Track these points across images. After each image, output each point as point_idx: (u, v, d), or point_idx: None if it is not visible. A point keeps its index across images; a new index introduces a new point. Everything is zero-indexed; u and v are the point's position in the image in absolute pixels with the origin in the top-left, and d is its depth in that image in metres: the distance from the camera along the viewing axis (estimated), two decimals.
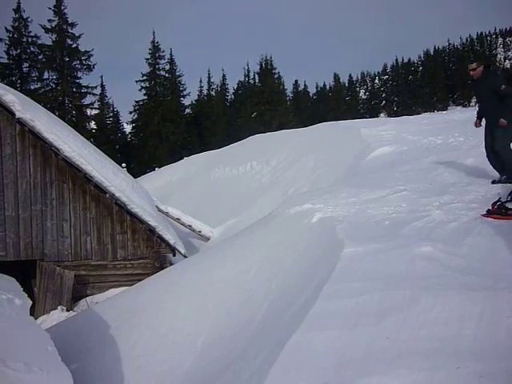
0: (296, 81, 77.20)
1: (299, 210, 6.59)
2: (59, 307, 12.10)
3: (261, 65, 54.98)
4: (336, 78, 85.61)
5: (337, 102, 75.30)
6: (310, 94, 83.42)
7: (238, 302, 5.17)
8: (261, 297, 4.86)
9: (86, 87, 41.28)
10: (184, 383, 4.48)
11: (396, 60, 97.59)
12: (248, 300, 5.04)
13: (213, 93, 59.70)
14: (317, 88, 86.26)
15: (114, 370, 5.43)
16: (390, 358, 2.67)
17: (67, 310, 12.09)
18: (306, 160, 18.87)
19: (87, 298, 12.79)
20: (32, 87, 39.66)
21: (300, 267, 4.81)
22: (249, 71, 59.23)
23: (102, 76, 52.64)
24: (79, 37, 39.89)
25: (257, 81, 56.96)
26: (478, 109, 7.99)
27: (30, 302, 5.47)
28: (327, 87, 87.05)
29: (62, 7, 39.29)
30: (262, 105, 50.70)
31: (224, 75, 59.93)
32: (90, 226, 13.07)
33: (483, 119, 7.65)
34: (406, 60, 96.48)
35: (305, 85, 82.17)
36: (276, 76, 55.92)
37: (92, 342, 6.41)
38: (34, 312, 10.58)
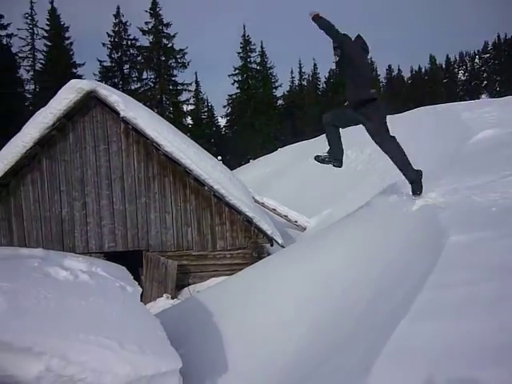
0: (389, 66, 74.94)
1: (398, 200, 6.42)
2: (164, 295, 12.69)
3: None
4: (432, 59, 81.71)
5: (433, 86, 71.99)
6: (405, 79, 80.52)
7: (337, 291, 5.15)
8: (361, 287, 4.80)
9: (182, 84, 42.75)
10: (283, 372, 4.53)
11: (498, 36, 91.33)
12: (347, 290, 5.00)
13: (304, 83, 59.41)
14: (411, 72, 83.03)
15: (216, 357, 5.59)
16: (502, 351, 2.55)
17: (171, 298, 12.63)
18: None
19: (189, 287, 13.30)
20: (132, 87, 41.72)
21: (402, 256, 4.69)
22: None
23: (196, 72, 54.48)
24: (174, 36, 41.40)
25: None
26: None
27: (141, 290, 5.79)
28: (422, 70, 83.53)
29: (158, 9, 40.90)
30: None
31: (315, 64, 59.39)
32: (191, 217, 13.59)
33: None
34: (508, 36, 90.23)
35: (399, 69, 79.49)
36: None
37: (195, 328, 6.64)
38: (141, 299, 11.16)
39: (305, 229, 17.09)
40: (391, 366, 2.72)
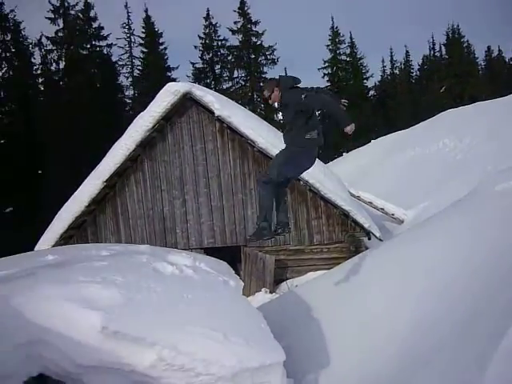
0: (488, 47, 70.31)
1: (507, 187, 6.04)
2: (263, 289, 12.85)
3: (447, 35, 51.33)
4: None
5: None
6: (506, 60, 75.45)
7: (437, 289, 4.93)
8: (470, 280, 4.58)
9: None
10: (390, 366, 4.42)
11: None
12: (448, 287, 4.78)
13: (396, 71, 57.47)
14: None
15: (319, 349, 5.58)
16: None
17: (270, 292, 12.76)
18: (506, 133, 17.22)
19: (287, 281, 13.37)
20: (224, 86, 42.54)
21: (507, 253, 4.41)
22: (434, 44, 55.44)
23: (285, 68, 54.18)
24: (263, 34, 41.67)
25: (443, 53, 53.34)
26: None
27: (242, 284, 5.91)
28: None
29: (246, 8, 41.44)
30: (450, 78, 47.40)
31: (407, 52, 57.12)
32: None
33: None
34: None
35: (499, 50, 74.48)
36: (465, 45, 51.76)
37: (296, 322, 6.67)
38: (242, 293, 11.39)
39: (402, 221, 16.60)
40: (504, 368, 2.57)
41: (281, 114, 5.58)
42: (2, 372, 3.20)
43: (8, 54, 29.90)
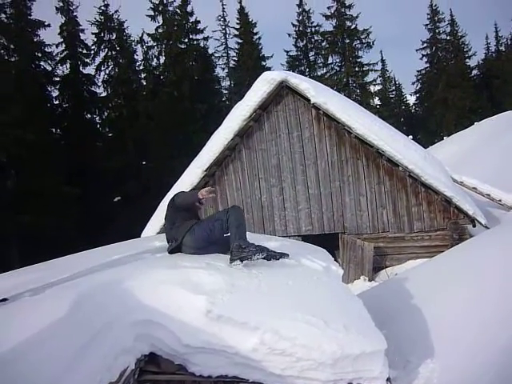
0: None
1: None
2: (361, 277, 12.73)
3: None
4: None
5: None
6: None
7: None
8: None
9: (368, 65, 41.95)
10: (498, 361, 4.21)
11: None
12: None
13: (502, 48, 53.77)
14: None
15: (421, 339, 5.46)
16: None
17: (369, 280, 12.61)
18: None
19: (387, 269, 13.13)
20: (319, 73, 42.24)
21: None
22: None
23: (381, 51, 52.84)
24: (357, 17, 40.79)
25: None
26: None
27: (342, 271, 5.89)
28: None
29: None
30: None
31: None
32: (385, 199, 13.37)
33: None
34: None
35: None
36: None
37: (397, 310, 6.55)
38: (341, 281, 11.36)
39: (511, 208, 15.65)
40: None
41: None
42: (122, 346, 3.46)
43: (113, 53, 31.67)
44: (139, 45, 33.29)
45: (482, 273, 5.84)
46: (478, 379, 4.06)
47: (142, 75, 33.81)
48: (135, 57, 33.18)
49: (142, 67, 33.66)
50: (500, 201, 16.09)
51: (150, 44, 33.64)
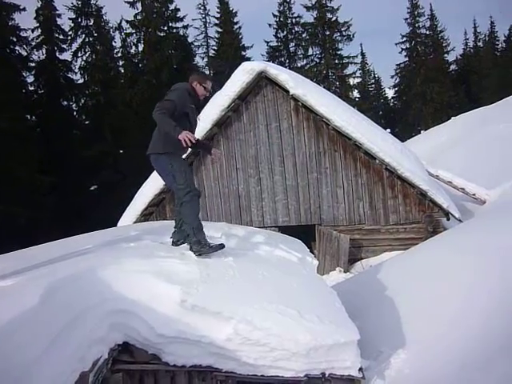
0: None
1: None
2: (337, 268, 12.83)
3: None
4: None
5: None
6: None
7: None
8: None
9: (347, 57, 42.06)
10: (465, 356, 4.31)
11: None
12: None
13: (480, 44, 54.43)
14: None
15: (394, 330, 5.53)
16: None
17: (344, 272, 12.72)
18: None
19: (362, 261, 13.26)
20: (299, 64, 42.22)
21: None
22: None
23: (361, 44, 53.17)
24: (338, 9, 40.78)
25: None
26: None
27: (317, 262, 5.94)
28: None
29: None
30: None
31: (492, 22, 53.90)
32: (362, 191, 13.49)
33: None
34: None
35: None
36: None
37: (371, 302, 6.62)
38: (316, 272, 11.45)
39: (484, 202, 15.91)
40: None
41: (194, 120, 5.16)
42: (95, 336, 3.45)
43: (91, 39, 31.17)
44: (117, 31, 32.83)
45: (453, 267, 5.94)
46: (448, 368, 4.14)
47: (120, 62, 33.40)
48: (113, 44, 32.72)
49: (120, 54, 33.22)
50: (474, 195, 16.32)
51: (128, 31, 33.21)
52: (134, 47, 33.68)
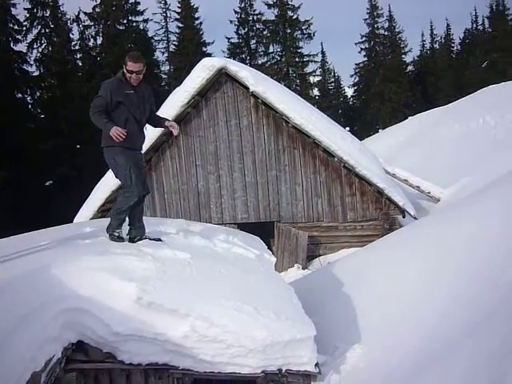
0: None
1: None
2: (295, 265, 12.92)
3: (491, 7, 49.53)
4: None
5: None
6: None
7: (476, 265, 4.88)
8: (498, 266, 4.51)
9: (308, 56, 42.38)
10: (418, 348, 4.41)
11: None
12: (488, 263, 4.73)
13: (436, 46, 55.80)
14: None
15: (350, 326, 5.62)
16: None
17: (302, 268, 12.81)
18: None
19: (320, 258, 13.40)
20: (259, 62, 42.22)
21: None
22: (477, 17, 53.39)
23: (321, 43, 53.60)
24: (299, 7, 40.99)
25: (487, 26, 51.53)
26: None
27: (275, 259, 5.98)
28: None
29: None
30: (493, 52, 45.78)
31: (448, 25, 55.16)
32: (321, 189, 13.63)
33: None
34: None
35: None
36: (510, 18, 49.75)
37: (328, 298, 6.71)
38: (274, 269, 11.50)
39: (438, 200, 16.35)
40: None
41: (134, 105, 5.00)
42: (48, 335, 3.37)
43: (47, 30, 30.33)
44: (75, 23, 31.98)
45: (407, 262, 6.08)
46: (401, 364, 4.23)
47: (78, 55, 32.64)
48: (71, 36, 31.91)
49: (77, 47, 32.46)
50: (429, 193, 16.74)
51: (86, 23, 32.42)
52: (92, 40, 32.97)
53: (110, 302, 3.73)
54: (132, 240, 5.10)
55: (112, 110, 4.77)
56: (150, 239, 5.09)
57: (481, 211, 5.97)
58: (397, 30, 47.27)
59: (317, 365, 4.22)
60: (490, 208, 5.87)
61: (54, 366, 3.43)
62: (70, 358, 3.74)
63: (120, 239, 5.03)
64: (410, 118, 31.15)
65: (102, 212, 13.66)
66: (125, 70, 4.91)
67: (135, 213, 5.12)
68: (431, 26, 55.39)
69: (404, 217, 13.43)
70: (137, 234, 5.12)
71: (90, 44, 32.94)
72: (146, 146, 13.14)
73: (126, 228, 5.20)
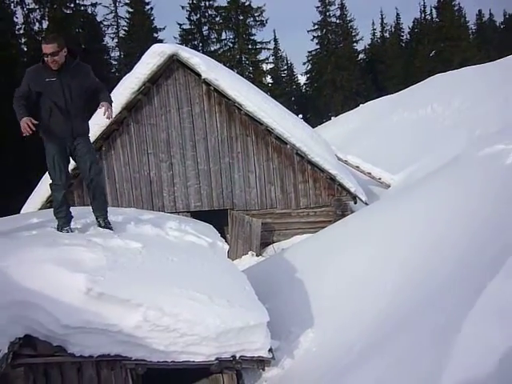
0: (479, 11, 69.31)
1: (490, 152, 6.07)
2: (249, 252, 12.98)
3: None
4: None
5: None
6: (497, 24, 74.52)
7: (423, 248, 5.03)
8: (450, 243, 4.67)
9: (261, 43, 42.35)
10: (368, 328, 4.52)
11: None
12: (435, 246, 4.88)
13: (387, 35, 56.87)
14: (505, 16, 76.29)
15: (303, 310, 5.70)
16: None
17: (257, 256, 12.89)
18: (495, 97, 17.27)
19: (274, 245, 13.49)
20: (212, 48, 41.88)
21: (496, 212, 4.49)
22: (425, 6, 54.44)
23: (274, 30, 53.44)
24: None
25: (434, 16, 52.82)
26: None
27: (228, 247, 5.98)
28: None
29: None
30: (441, 42, 47.05)
31: (398, 14, 56.22)
32: (274, 176, 13.68)
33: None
34: None
35: (490, 14, 73.46)
36: (456, 8, 51.19)
37: (281, 284, 6.78)
38: (228, 257, 11.51)
39: (389, 186, 16.72)
40: (482, 325, 2.64)
41: (55, 94, 4.74)
42: None
43: None
44: (19, 6, 30.78)
45: (357, 245, 6.21)
46: (353, 345, 4.32)
47: (23, 40, 31.44)
48: (15, 19, 30.70)
49: (22, 31, 31.27)
50: (380, 179, 17.07)
51: (31, 6, 31.21)
52: (37, 24, 31.77)
53: (58, 294, 3.65)
54: (100, 225, 5.05)
55: (36, 100, 4.61)
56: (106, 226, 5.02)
57: (432, 191, 6.16)
58: (348, 19, 47.84)
59: (270, 350, 4.27)
60: (440, 188, 6.07)
61: (0, 362, 3.33)
62: (18, 352, 3.64)
63: (60, 230, 4.85)
64: (361, 105, 31.64)
65: (50, 202, 13.28)
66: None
67: (96, 205, 5.09)
68: (381, 16, 56.38)
69: (356, 203, 13.66)
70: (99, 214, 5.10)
71: (36, 28, 31.74)
72: (95, 134, 12.94)
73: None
